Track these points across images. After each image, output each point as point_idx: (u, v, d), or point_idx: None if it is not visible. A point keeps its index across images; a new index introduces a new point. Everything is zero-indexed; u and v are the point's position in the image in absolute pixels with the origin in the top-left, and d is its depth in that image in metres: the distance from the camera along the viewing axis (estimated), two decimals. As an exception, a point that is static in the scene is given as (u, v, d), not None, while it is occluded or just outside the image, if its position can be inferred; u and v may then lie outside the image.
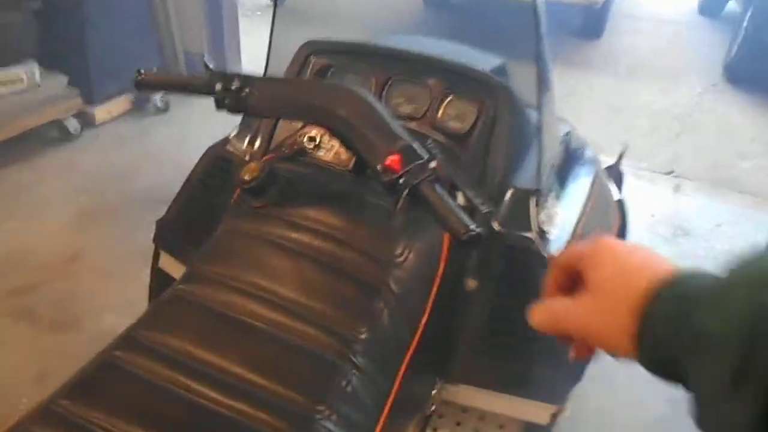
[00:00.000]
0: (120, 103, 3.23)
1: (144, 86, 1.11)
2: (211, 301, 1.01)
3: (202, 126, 2.98)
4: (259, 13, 5.12)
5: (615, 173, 2.27)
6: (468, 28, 4.56)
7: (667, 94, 4.15)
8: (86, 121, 3.07)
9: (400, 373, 1.01)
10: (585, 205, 1.36)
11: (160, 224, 1.46)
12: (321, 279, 1.03)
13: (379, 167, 0.92)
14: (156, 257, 1.48)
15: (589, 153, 1.59)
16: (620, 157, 2.34)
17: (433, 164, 0.90)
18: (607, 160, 1.86)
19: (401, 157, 0.91)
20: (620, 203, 1.71)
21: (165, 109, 3.32)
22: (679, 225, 2.68)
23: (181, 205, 1.42)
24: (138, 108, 3.30)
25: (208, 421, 0.85)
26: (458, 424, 1.30)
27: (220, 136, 1.41)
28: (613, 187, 1.72)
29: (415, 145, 0.93)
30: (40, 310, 2.01)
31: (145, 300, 1.47)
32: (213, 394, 0.88)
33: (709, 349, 0.38)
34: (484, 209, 0.97)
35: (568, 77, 4.21)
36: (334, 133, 1.07)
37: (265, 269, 1.04)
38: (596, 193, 1.47)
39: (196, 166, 1.41)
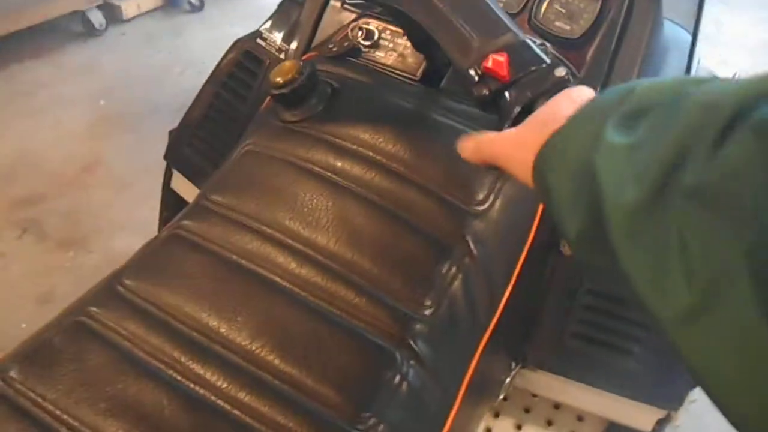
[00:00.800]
0: (151, -2, 2.90)
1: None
2: (220, 245, 0.73)
3: (240, 28, 2.65)
4: None
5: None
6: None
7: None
8: (112, 16, 2.76)
9: (473, 365, 0.73)
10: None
11: (174, 136, 1.18)
12: (374, 228, 0.74)
13: (472, 72, 0.61)
14: (168, 175, 1.22)
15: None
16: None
17: (560, 71, 0.58)
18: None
19: (509, 57, 0.59)
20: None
21: (200, 6, 2.98)
22: None
23: (199, 114, 1.13)
24: (171, 4, 2.97)
25: (201, 421, 0.60)
26: (527, 411, 1.04)
27: (259, 40, 1.10)
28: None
29: (531, 42, 0.61)
30: (48, 223, 1.79)
31: (162, 221, 1.23)
32: (212, 379, 0.63)
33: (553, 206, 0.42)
34: None
35: None
36: (404, 21, 0.74)
37: (298, 208, 0.76)
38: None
39: (219, 64, 1.11)
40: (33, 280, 1.64)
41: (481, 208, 0.75)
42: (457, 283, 0.72)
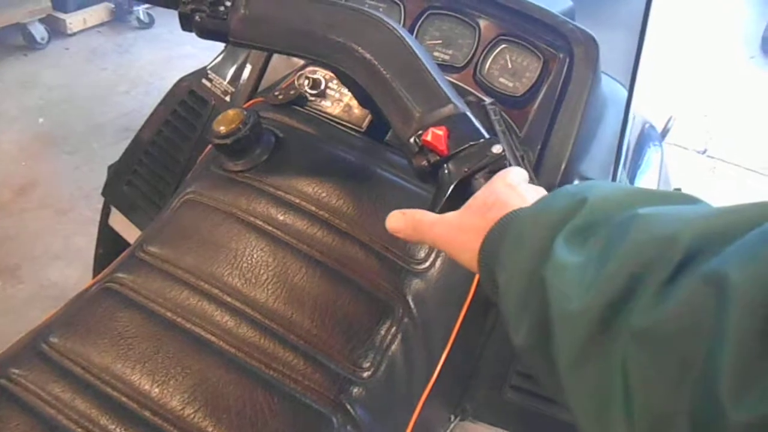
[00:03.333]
0: (98, 12, 2.82)
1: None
2: (155, 300, 0.71)
3: (189, 46, 2.63)
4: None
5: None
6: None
7: (701, 72, 3.80)
8: (56, 29, 2.68)
9: (411, 425, 0.73)
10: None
11: (112, 172, 1.14)
12: (314, 285, 0.73)
13: (412, 142, 0.61)
14: (106, 212, 1.18)
15: (654, 138, 1.29)
16: (664, 134, 2.05)
17: (497, 148, 0.59)
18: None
19: (449, 131, 0.60)
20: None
21: (149, 23, 2.92)
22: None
23: (139, 152, 1.10)
24: (118, 19, 2.90)
25: None
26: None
27: (208, 61, 1.08)
28: (671, 176, 1.43)
29: (472, 116, 0.62)
30: (-22, 250, 1.71)
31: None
32: (161, 403, 0.61)
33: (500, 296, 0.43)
34: None
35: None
36: (347, 80, 0.75)
37: (238, 263, 0.74)
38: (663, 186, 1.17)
39: (162, 101, 1.08)
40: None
41: (422, 267, 0.76)
42: (396, 344, 0.72)
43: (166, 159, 1.05)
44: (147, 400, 0.63)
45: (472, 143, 0.59)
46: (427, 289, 0.75)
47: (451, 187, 0.58)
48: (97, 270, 1.22)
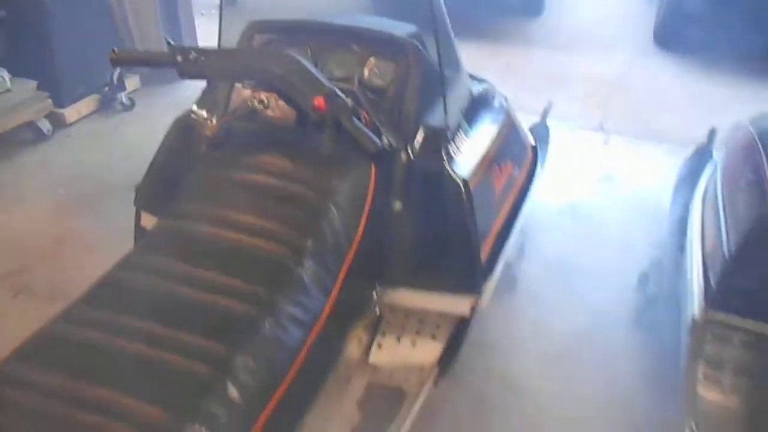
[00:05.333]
0: (88, 103, 3.43)
1: (118, 63, 1.36)
2: (186, 230, 1.27)
3: (165, 120, 3.20)
4: (213, 11, 5.31)
5: (542, 128, 2.59)
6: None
7: (601, 64, 4.47)
8: (57, 122, 3.27)
9: (342, 274, 1.28)
10: (493, 141, 1.65)
11: (139, 188, 1.70)
12: (274, 207, 1.30)
13: (309, 108, 1.19)
14: (138, 217, 1.73)
15: (500, 103, 1.88)
16: (545, 114, 2.65)
17: (349, 102, 1.17)
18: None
19: (325, 98, 1.19)
20: (534, 149, 2.01)
21: (131, 106, 3.53)
22: (606, 171, 3.01)
23: (155, 170, 1.67)
24: (105, 107, 3.50)
25: (189, 308, 1.11)
26: (403, 327, 1.58)
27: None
28: (528, 134, 2.02)
29: (336, 90, 1.21)
30: (35, 285, 2.23)
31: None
32: (191, 291, 1.13)
33: None
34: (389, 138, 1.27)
35: (508, 53, 4.51)
36: (274, 88, 1.33)
37: (228, 203, 1.31)
38: (506, 134, 1.76)
39: (167, 134, 1.66)
40: (30, 330, 2.07)
41: (336, 187, 1.32)
42: (326, 230, 1.27)
43: (174, 169, 1.62)
44: (194, 274, 1.17)
45: (337, 101, 1.17)
46: (341, 199, 1.31)
47: (330, 124, 1.15)
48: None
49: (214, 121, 1.53)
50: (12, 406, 0.92)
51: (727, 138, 1.97)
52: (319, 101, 1.17)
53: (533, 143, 2.02)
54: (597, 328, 2.07)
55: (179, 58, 1.28)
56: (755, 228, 1.31)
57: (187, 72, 1.29)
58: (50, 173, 2.94)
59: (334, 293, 1.25)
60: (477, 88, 1.83)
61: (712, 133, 2.30)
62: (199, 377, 0.99)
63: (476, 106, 1.72)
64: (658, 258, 2.23)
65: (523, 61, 4.45)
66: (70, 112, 3.33)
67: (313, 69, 1.24)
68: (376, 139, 1.17)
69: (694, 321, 1.42)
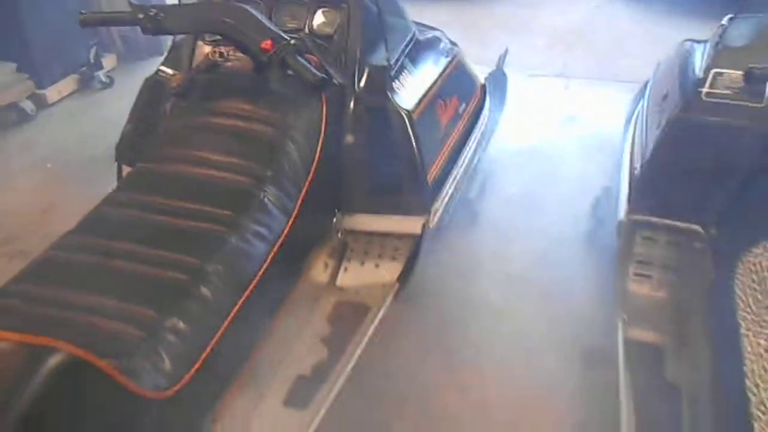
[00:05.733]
0: (68, 83, 3.55)
1: (87, 24, 1.49)
2: (160, 170, 1.43)
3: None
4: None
5: (499, 73, 2.74)
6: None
7: (564, 15, 4.59)
8: (40, 102, 3.39)
9: (300, 199, 1.45)
10: (437, 79, 1.80)
11: (118, 145, 1.85)
12: (238, 144, 1.46)
13: (258, 50, 1.34)
14: (119, 171, 1.88)
15: (447, 47, 2.03)
16: (500, 61, 2.80)
17: (293, 42, 1.32)
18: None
19: (272, 41, 1.34)
20: (483, 87, 2.17)
21: (110, 83, 3.65)
22: (567, 113, 3.16)
23: (131, 126, 1.82)
24: (85, 85, 3.62)
25: (166, 232, 1.27)
26: (366, 253, 1.75)
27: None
28: (477, 75, 2.17)
29: (281, 33, 1.36)
30: (29, 249, 2.39)
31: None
32: (167, 219, 1.29)
33: None
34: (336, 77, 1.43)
35: (473, 11, 4.63)
36: (227, 37, 1.48)
37: (198, 144, 1.46)
38: (450, 73, 1.91)
39: (139, 93, 1.80)
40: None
41: (292, 124, 1.47)
42: (284, 161, 1.43)
43: (147, 123, 1.77)
44: (175, 204, 1.33)
45: (282, 42, 1.32)
46: (297, 133, 1.47)
47: (277, 62, 1.31)
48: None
49: (179, 76, 1.67)
50: (10, 314, 1.08)
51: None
52: (266, 44, 1.32)
53: (482, 83, 2.18)
54: (552, 251, 2.25)
55: (141, 16, 1.42)
56: (664, 131, 1.47)
57: (150, 28, 1.43)
58: (37, 150, 3.08)
59: (294, 214, 1.42)
60: (425, 35, 1.98)
61: (657, 67, 2.46)
62: (178, 283, 1.16)
63: (422, 49, 1.87)
64: (609, 185, 2.41)
65: (489, 17, 4.57)
66: (51, 93, 3.45)
67: (261, 17, 1.39)
68: (316, 72, 1.33)
69: (619, 223, 1.59)
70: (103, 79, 3.63)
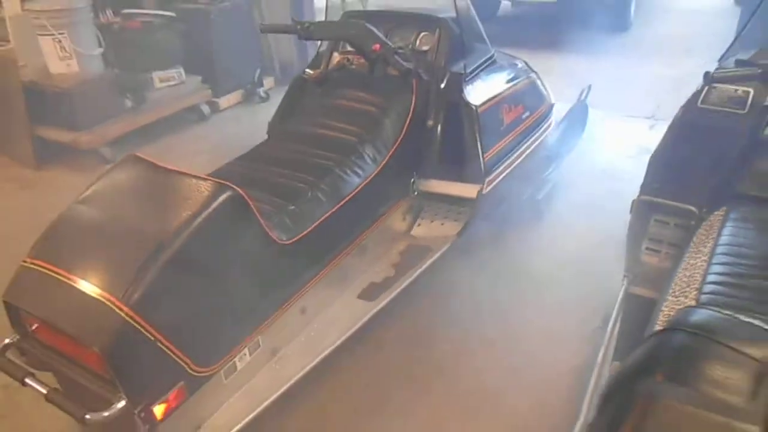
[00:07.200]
0: (236, 95, 4.50)
1: (264, 31, 2.24)
2: (298, 130, 2.12)
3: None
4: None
5: (581, 106, 3.23)
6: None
7: (672, 67, 4.92)
8: (214, 108, 4.36)
9: (388, 156, 2.06)
10: (507, 89, 2.36)
11: (270, 123, 2.59)
12: (351, 117, 2.11)
13: (370, 51, 2.00)
14: (269, 142, 2.61)
15: (523, 70, 2.59)
16: (582, 94, 3.29)
17: (392, 48, 1.97)
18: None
19: (380, 45, 1.99)
20: (551, 106, 2.69)
21: (267, 98, 4.56)
22: (644, 147, 3.53)
23: (279, 110, 2.55)
24: (247, 99, 4.56)
25: (305, 160, 1.94)
26: (436, 213, 2.32)
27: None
28: (547, 93, 2.70)
29: (386, 41, 2.00)
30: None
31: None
32: (304, 149, 1.97)
33: None
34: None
35: (588, 62, 5.09)
36: (351, 43, 2.15)
37: (325, 116, 2.14)
38: (520, 87, 2.46)
39: (288, 87, 2.54)
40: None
41: (389, 107, 2.10)
42: (382, 130, 2.06)
43: (293, 108, 2.48)
44: (302, 152, 2.01)
45: (386, 47, 1.98)
46: (392, 113, 2.10)
47: (383, 59, 1.96)
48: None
49: (318, 72, 2.38)
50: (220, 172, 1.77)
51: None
52: (375, 46, 1.98)
53: (552, 102, 2.69)
54: (602, 245, 2.65)
55: (298, 27, 2.13)
56: (668, 130, 1.90)
57: (303, 35, 2.14)
58: (207, 141, 3.99)
59: (381, 165, 2.04)
60: (506, 60, 2.56)
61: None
62: (305, 187, 1.82)
63: (499, 67, 2.45)
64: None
65: (600, 67, 5.01)
66: (223, 101, 4.41)
67: (375, 31, 2.05)
68: (404, 64, 1.98)
69: (632, 202, 2.02)
70: (262, 94, 4.54)
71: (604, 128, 3.76)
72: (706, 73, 1.83)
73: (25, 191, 3.57)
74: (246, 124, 4.26)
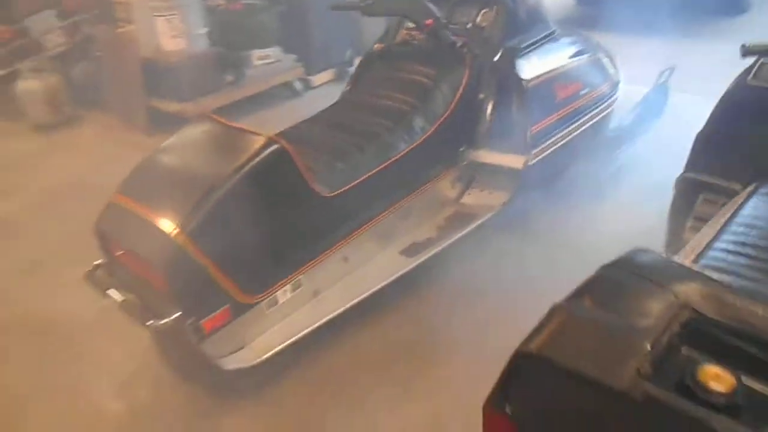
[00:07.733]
0: (328, 74, 4.78)
1: (336, 8, 2.46)
2: (359, 99, 2.31)
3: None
4: None
5: (661, 88, 3.17)
6: None
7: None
8: (307, 85, 4.66)
9: (437, 124, 2.20)
10: (564, 65, 2.41)
11: (342, 92, 2.80)
12: (406, 87, 2.27)
13: (423, 25, 2.14)
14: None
15: (589, 48, 2.61)
16: (661, 76, 3.22)
17: (444, 22, 2.09)
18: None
19: (432, 20, 2.12)
20: (616, 83, 2.68)
21: (356, 77, 4.80)
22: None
23: (350, 80, 2.75)
24: (339, 77, 4.82)
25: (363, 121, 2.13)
26: (485, 183, 2.43)
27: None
28: (614, 72, 2.70)
29: (438, 15, 2.14)
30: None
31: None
32: (362, 116, 2.16)
33: None
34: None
35: (692, 46, 4.85)
36: (407, 16, 2.31)
37: (383, 86, 2.32)
38: (581, 65, 2.49)
39: (360, 59, 2.73)
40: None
41: (442, 78, 2.24)
42: (435, 100, 2.20)
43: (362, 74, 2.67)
44: (361, 121, 2.20)
45: (437, 21, 2.11)
46: (445, 85, 2.23)
47: (433, 31, 2.10)
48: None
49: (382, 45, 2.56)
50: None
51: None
52: (428, 21, 2.12)
53: (617, 80, 2.69)
54: (656, 227, 2.62)
55: (362, 4, 2.31)
56: (715, 108, 1.88)
57: (366, 11, 2.31)
58: (298, 115, 4.21)
59: (429, 133, 2.18)
60: (570, 37, 2.59)
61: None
62: (355, 148, 2.01)
63: (559, 45, 2.49)
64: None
65: (701, 49, 4.76)
66: (315, 79, 4.70)
67: (429, 6, 2.19)
68: (453, 39, 2.11)
69: (676, 179, 2.02)
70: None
71: (694, 114, 3.61)
72: (743, 46, 1.80)
73: (138, 153, 4.05)
74: (335, 100, 4.52)
